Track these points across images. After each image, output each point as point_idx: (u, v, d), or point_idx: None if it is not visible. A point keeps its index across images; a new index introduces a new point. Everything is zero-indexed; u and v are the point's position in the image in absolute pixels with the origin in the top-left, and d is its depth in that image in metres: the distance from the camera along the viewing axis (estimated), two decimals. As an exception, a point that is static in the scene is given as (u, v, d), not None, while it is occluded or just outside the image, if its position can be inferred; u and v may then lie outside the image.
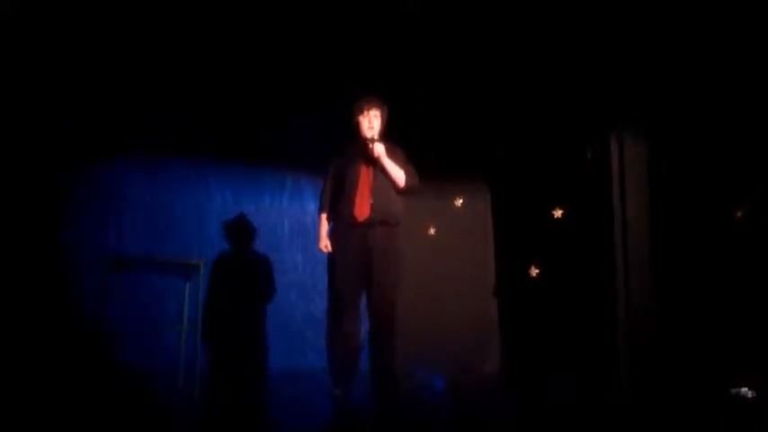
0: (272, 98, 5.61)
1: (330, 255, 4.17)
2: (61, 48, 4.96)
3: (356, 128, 4.17)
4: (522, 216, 5.67)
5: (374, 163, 4.09)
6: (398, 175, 4.16)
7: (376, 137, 4.10)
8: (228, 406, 4.27)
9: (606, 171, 4.83)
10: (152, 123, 5.48)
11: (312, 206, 5.78)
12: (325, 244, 4.18)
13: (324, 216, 4.27)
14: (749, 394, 4.03)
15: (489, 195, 6.11)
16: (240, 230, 5.23)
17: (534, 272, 5.49)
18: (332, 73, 5.48)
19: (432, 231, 6.16)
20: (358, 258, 4.03)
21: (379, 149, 4.06)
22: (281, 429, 3.82)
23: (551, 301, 5.34)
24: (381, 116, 4.17)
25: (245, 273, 5.31)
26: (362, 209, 4.03)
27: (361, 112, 4.13)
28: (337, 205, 4.14)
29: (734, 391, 4.08)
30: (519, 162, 5.72)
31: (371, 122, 4.12)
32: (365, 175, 4.09)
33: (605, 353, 4.80)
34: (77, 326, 5.07)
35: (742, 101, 4.32)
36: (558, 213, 5.31)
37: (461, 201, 6.14)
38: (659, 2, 4.44)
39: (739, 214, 4.37)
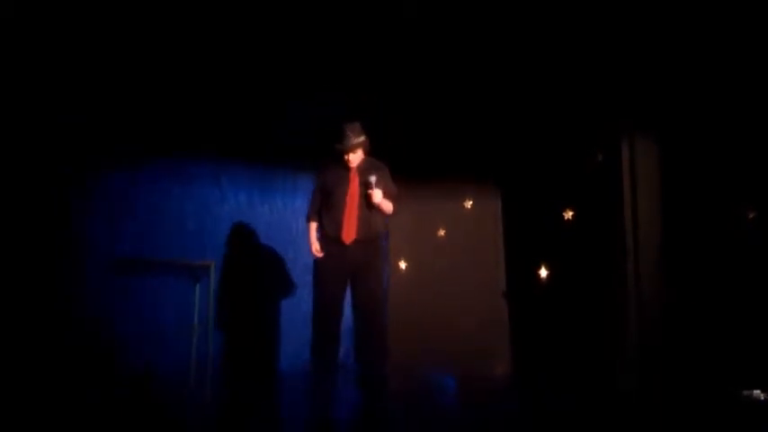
0: (286, 99, 5.64)
1: (316, 266, 4.52)
2: (68, 47, 4.98)
3: (341, 158, 4.47)
4: (533, 217, 5.67)
5: (372, 206, 4.44)
6: (389, 208, 4.55)
7: (372, 180, 4.41)
8: (241, 404, 4.29)
9: (617, 172, 4.83)
10: (164, 123, 5.49)
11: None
12: (317, 248, 4.52)
13: (313, 225, 4.62)
14: (762, 396, 4.02)
15: (500, 197, 6.11)
16: (253, 230, 5.27)
17: (544, 273, 5.49)
18: (344, 75, 5.50)
19: (442, 233, 6.16)
20: (342, 270, 4.43)
21: (378, 197, 4.41)
22: (296, 428, 3.83)
23: (561, 302, 5.34)
24: (363, 147, 4.48)
25: (258, 272, 5.33)
26: (349, 233, 4.41)
27: (344, 152, 4.44)
28: (325, 223, 4.50)
29: (746, 393, 4.08)
30: (530, 163, 5.72)
31: (350, 158, 4.44)
32: (352, 201, 4.44)
33: (615, 354, 4.79)
34: (88, 327, 5.09)
35: (753, 103, 4.31)
36: (568, 215, 5.30)
37: (471, 202, 6.14)
38: (671, 6, 4.43)
39: (751, 216, 4.36)
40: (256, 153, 5.82)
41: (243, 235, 5.58)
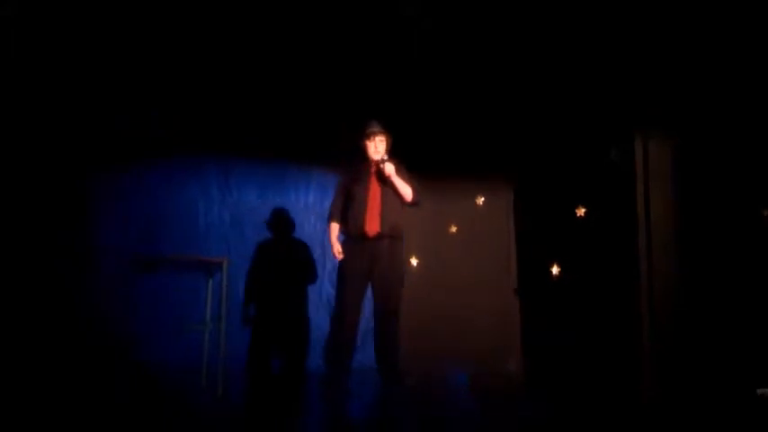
0: (297, 95, 5.65)
1: (340, 263, 4.60)
2: (89, 50, 5.00)
3: (364, 150, 4.63)
4: (545, 215, 5.66)
5: (385, 181, 4.54)
6: (406, 190, 4.62)
7: (385, 157, 4.55)
8: (252, 402, 4.30)
9: (630, 170, 4.81)
10: (176, 123, 5.52)
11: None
12: (338, 249, 4.59)
13: (335, 225, 4.70)
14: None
15: (511, 193, 6.11)
16: (266, 226, 5.31)
17: (556, 270, 5.48)
18: (356, 73, 5.50)
19: (453, 229, 6.15)
20: (365, 268, 4.50)
21: (390, 169, 4.52)
22: (305, 427, 3.84)
23: (573, 299, 5.33)
24: (386, 141, 4.63)
25: (271, 268, 5.33)
26: (372, 225, 4.48)
27: (369, 138, 4.60)
28: (348, 221, 4.58)
29: (760, 391, 4.07)
30: (542, 160, 5.71)
31: (377, 147, 4.59)
32: (374, 194, 4.55)
33: (628, 352, 4.78)
34: (101, 324, 5.12)
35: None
36: (580, 212, 5.28)
37: (483, 199, 6.13)
38: (686, 5, 4.41)
39: (766, 214, 4.34)
40: (268, 149, 5.84)
41: (255, 231, 5.60)
